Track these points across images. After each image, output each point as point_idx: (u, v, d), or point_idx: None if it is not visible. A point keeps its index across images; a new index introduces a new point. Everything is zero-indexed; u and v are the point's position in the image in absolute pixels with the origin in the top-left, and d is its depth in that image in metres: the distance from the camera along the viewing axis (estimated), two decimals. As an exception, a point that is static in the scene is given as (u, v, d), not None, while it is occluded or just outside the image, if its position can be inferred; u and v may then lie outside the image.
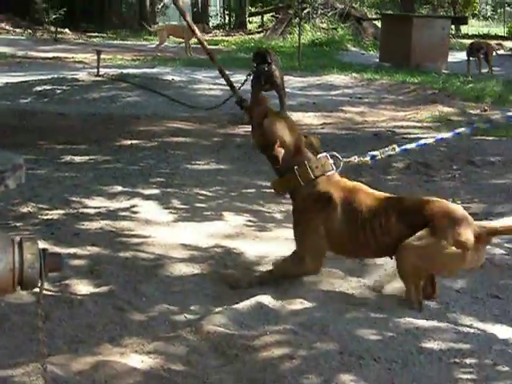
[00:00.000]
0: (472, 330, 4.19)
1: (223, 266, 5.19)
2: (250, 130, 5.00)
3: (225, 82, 11.55)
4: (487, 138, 10.33)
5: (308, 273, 4.86)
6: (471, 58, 18.72)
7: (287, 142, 4.74)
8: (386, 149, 5.25)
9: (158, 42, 23.86)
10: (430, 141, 6.07)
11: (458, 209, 4.61)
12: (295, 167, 4.71)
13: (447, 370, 3.72)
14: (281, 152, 4.69)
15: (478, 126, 6.50)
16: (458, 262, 4.49)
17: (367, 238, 4.62)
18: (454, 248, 4.39)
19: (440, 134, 6.97)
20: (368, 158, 5.14)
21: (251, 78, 11.15)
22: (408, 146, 5.72)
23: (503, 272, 5.23)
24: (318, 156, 4.80)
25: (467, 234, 4.42)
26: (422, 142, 6.07)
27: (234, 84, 11.31)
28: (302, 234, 4.79)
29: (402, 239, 4.50)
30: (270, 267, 4.98)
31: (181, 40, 24.96)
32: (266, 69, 10.95)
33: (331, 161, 4.82)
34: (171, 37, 24.93)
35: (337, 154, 4.92)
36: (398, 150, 5.29)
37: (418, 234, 4.44)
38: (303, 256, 4.77)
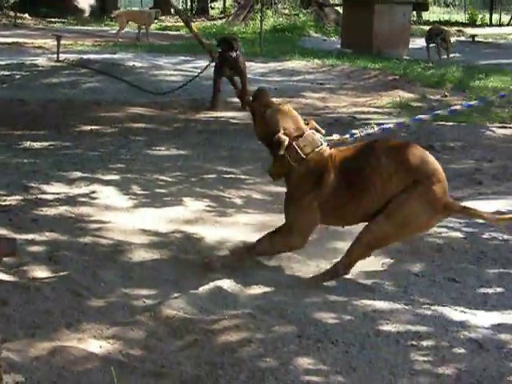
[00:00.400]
0: (429, 313, 4.23)
1: (183, 252, 5.18)
2: (252, 121, 5.03)
3: (186, 69, 11.51)
4: (447, 123, 10.40)
5: (294, 246, 4.86)
6: (431, 45, 18.81)
7: (289, 130, 4.77)
8: (366, 127, 5.32)
9: (118, 28, 23.63)
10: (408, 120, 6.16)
11: (436, 170, 4.66)
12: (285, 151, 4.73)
13: (404, 352, 3.76)
14: (285, 140, 4.72)
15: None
16: (425, 226, 4.70)
17: (369, 193, 4.64)
18: (427, 211, 4.56)
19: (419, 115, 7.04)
20: (348, 136, 5.20)
21: (215, 63, 11.13)
22: (386, 126, 5.77)
23: (461, 256, 5.29)
24: (304, 134, 4.81)
25: (442, 200, 4.59)
26: (399, 120, 6.16)
27: (195, 70, 11.27)
28: (294, 209, 4.78)
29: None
30: (245, 245, 5.01)
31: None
32: (234, 56, 10.96)
33: (319, 135, 4.85)
34: (131, 22, 24.68)
35: (321, 130, 4.94)
36: (376, 128, 5.36)
37: (399, 199, 4.53)
38: (291, 230, 4.77)
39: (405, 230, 4.64)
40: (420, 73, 15.51)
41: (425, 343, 3.86)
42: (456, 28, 29.20)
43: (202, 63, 16.06)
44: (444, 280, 4.85)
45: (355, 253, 4.65)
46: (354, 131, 5.30)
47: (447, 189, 4.67)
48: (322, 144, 4.81)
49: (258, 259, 4.95)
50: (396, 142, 4.93)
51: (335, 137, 5.09)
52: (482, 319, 4.24)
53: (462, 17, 37.68)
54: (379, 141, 4.86)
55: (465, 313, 4.32)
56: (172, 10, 30.92)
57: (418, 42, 22.47)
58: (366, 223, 4.67)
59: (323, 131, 4.97)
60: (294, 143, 4.75)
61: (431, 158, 4.69)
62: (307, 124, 4.92)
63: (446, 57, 18.68)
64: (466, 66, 16.63)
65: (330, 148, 4.85)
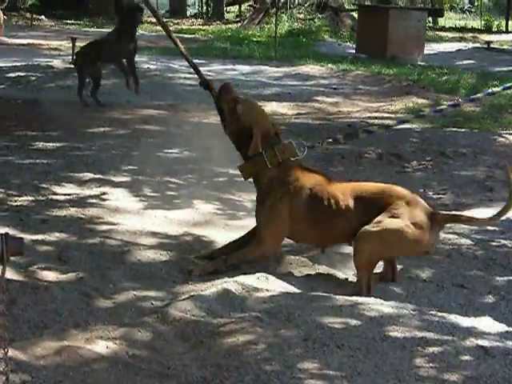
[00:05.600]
0: (436, 319, 4.21)
1: (192, 254, 5.19)
2: (219, 115, 5.05)
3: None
4: (459, 129, 10.39)
5: (266, 253, 4.95)
6: None
7: (260, 128, 4.85)
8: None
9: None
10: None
11: (409, 193, 4.77)
12: (263, 151, 4.81)
13: (410, 357, 3.74)
14: (259, 136, 4.81)
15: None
16: (416, 243, 4.64)
17: (327, 223, 4.75)
18: (411, 230, 4.55)
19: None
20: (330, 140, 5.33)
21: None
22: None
23: (469, 262, 5.28)
24: (285, 141, 4.94)
25: (422, 216, 4.60)
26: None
27: (209, 73, 11.27)
28: (264, 215, 4.88)
29: (359, 224, 4.64)
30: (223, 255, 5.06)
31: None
32: None
33: (296, 147, 4.96)
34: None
35: (303, 141, 5.12)
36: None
37: (376, 219, 4.58)
38: (263, 236, 4.87)
39: (393, 247, 4.67)
40: (434, 79, 15.49)
41: (431, 349, 3.84)
42: (471, 34, 29.16)
43: (217, 66, 16.15)
44: (452, 286, 4.86)
45: (362, 275, 4.66)
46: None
47: (424, 205, 4.73)
48: (297, 156, 4.93)
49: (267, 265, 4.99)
50: (357, 183, 5.07)
51: (318, 142, 5.29)
52: (490, 326, 4.22)
53: (477, 23, 37.55)
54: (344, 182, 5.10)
55: (472, 319, 4.31)
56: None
57: (434, 48, 22.46)
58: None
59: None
60: (273, 146, 4.84)
61: (393, 188, 4.83)
62: (273, 124, 5.05)
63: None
64: (480, 73, 16.59)
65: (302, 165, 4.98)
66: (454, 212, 5.19)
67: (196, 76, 5.44)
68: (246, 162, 4.95)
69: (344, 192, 4.79)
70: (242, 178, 5.15)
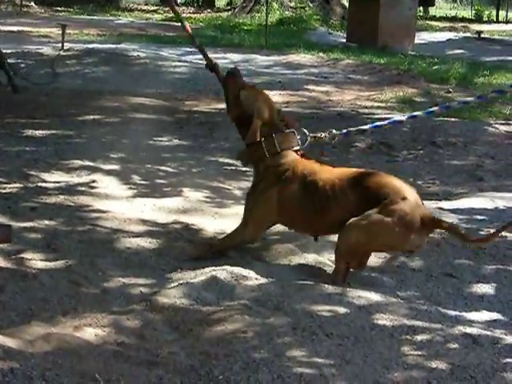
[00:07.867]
0: (425, 307, 4.23)
1: (181, 242, 5.19)
2: (224, 99, 5.07)
3: (190, 60, 11.50)
4: (450, 119, 10.38)
5: (247, 238, 4.95)
6: None
7: (262, 115, 4.83)
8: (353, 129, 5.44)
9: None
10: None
11: (411, 190, 4.63)
12: (262, 139, 4.80)
13: (398, 346, 3.76)
14: (258, 124, 4.79)
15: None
16: (399, 242, 4.56)
17: (322, 211, 4.68)
18: (398, 228, 4.44)
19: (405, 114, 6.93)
20: (337, 132, 5.25)
21: None
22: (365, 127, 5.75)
23: (459, 251, 5.29)
24: (286, 131, 4.90)
25: (413, 215, 4.47)
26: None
27: (200, 62, 11.21)
28: (252, 200, 4.90)
29: (354, 215, 4.55)
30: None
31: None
32: None
33: (298, 136, 4.93)
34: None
35: (305, 130, 5.05)
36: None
37: (366, 212, 4.48)
38: (247, 220, 4.89)
39: (377, 240, 4.56)
40: (424, 68, 15.48)
41: (419, 337, 3.86)
42: (462, 24, 29.15)
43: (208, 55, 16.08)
44: (441, 275, 4.87)
45: (340, 265, 4.63)
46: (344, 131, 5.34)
47: (419, 205, 4.56)
48: (298, 146, 4.90)
49: (259, 252, 5.01)
50: (356, 171, 4.89)
51: (321, 135, 5.17)
52: (478, 315, 4.26)
53: (468, 13, 37.56)
54: (342, 169, 4.97)
55: (460, 308, 4.33)
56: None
57: (424, 37, 22.45)
58: None
59: (292, 120, 5.08)
60: (273, 135, 4.81)
61: (392, 181, 4.65)
62: (279, 111, 5.00)
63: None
64: (470, 63, 16.59)
65: (302, 154, 4.93)
66: (449, 222, 4.96)
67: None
68: (246, 149, 4.94)
69: (341, 180, 4.68)
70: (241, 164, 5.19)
